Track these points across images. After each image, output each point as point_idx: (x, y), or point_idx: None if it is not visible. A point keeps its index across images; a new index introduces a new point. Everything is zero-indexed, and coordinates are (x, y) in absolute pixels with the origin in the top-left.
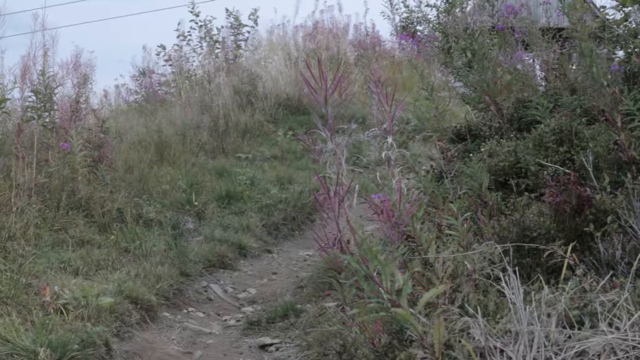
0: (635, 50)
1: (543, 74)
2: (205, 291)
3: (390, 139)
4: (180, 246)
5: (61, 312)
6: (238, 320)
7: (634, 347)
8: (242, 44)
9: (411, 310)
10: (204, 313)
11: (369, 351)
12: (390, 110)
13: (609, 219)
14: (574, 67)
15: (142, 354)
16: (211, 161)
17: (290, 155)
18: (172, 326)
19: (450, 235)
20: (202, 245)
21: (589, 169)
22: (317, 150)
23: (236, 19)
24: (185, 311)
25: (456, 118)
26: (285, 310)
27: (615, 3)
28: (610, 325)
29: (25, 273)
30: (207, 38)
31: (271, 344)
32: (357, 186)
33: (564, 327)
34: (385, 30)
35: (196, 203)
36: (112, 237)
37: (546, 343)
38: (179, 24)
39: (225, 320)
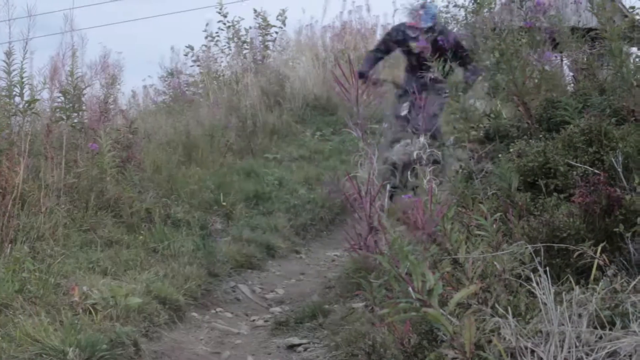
0: None
1: (572, 74)
2: (234, 291)
3: (422, 139)
4: (208, 246)
5: (90, 312)
6: (266, 321)
7: None
8: (270, 44)
9: (442, 310)
10: (232, 313)
11: (398, 352)
12: (422, 110)
13: (639, 219)
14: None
15: (171, 354)
16: (239, 161)
17: (318, 156)
18: (200, 326)
19: (479, 235)
20: (230, 245)
21: (619, 169)
22: (347, 150)
23: (264, 19)
24: (213, 311)
25: (485, 118)
26: (314, 310)
27: None
28: None
29: (54, 273)
30: (235, 39)
31: (299, 344)
32: (388, 186)
33: (595, 328)
34: None
35: (224, 203)
36: (141, 237)
37: (577, 343)
38: (207, 24)
39: (254, 320)
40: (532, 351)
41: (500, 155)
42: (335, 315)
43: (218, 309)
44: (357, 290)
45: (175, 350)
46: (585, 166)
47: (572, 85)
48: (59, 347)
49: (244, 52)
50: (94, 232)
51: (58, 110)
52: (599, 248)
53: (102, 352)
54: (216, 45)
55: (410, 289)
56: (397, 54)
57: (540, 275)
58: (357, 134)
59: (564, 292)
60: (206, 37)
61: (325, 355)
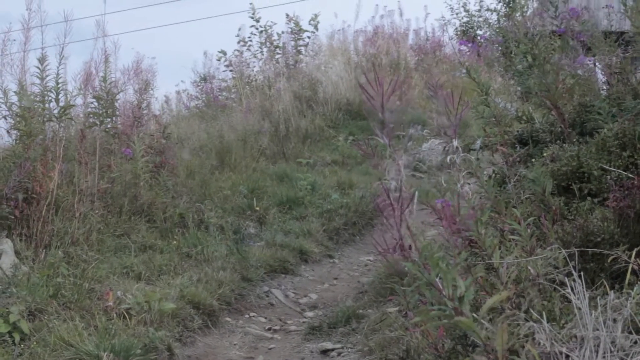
0: None
1: (605, 78)
2: (267, 296)
3: (455, 143)
4: (241, 251)
5: (124, 317)
6: (299, 326)
7: None
8: (303, 49)
9: (475, 315)
10: (265, 318)
11: (432, 356)
12: (455, 114)
13: None
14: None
15: (204, 359)
16: (272, 166)
17: (351, 160)
18: (234, 331)
19: (513, 240)
20: (263, 250)
21: None
22: (377, 157)
23: (296, 24)
24: (247, 316)
25: (517, 123)
26: (347, 315)
27: None
28: None
29: (88, 278)
30: (268, 43)
31: (333, 349)
32: (417, 192)
33: (630, 333)
34: (445, 35)
35: (257, 208)
36: (174, 242)
37: (612, 348)
38: (239, 29)
39: (287, 325)
40: (567, 356)
41: (533, 160)
42: (368, 320)
43: (252, 314)
44: (390, 295)
45: (209, 355)
46: (619, 170)
47: (605, 89)
48: (93, 352)
49: (277, 56)
50: (127, 237)
51: (92, 115)
52: (634, 252)
53: (136, 357)
54: (249, 50)
55: (443, 295)
56: None
57: (574, 280)
58: (384, 141)
59: (598, 297)
60: (239, 42)
61: None
